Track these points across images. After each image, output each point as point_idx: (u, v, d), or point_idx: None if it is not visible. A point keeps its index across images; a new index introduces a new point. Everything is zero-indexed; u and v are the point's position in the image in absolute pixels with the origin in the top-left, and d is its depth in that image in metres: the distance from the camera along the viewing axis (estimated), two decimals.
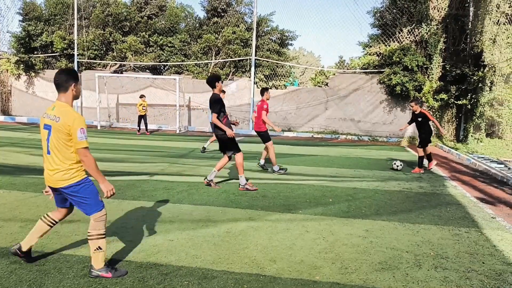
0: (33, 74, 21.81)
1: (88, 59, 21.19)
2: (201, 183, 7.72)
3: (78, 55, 20.96)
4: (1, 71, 21.79)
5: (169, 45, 21.40)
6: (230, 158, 7.44)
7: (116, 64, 21.49)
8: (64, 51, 21.19)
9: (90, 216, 3.64)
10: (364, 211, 6.14)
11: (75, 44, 20.81)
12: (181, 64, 21.32)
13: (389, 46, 18.06)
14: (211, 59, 21.06)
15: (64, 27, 21.79)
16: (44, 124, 3.56)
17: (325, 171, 9.44)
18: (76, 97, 3.65)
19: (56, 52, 21.26)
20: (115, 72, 21.28)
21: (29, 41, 21.22)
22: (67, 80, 3.55)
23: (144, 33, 21.48)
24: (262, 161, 9.63)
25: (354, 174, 9.28)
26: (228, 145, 7.25)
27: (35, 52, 21.73)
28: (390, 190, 7.64)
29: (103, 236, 3.65)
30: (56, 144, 3.48)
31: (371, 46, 18.95)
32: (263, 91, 9.29)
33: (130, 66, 21.43)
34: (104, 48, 21.76)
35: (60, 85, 3.54)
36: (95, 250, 3.63)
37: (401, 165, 9.89)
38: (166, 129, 19.66)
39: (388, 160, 11.58)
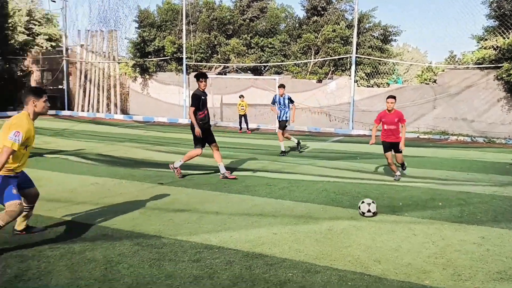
0: (147, 76, 23.84)
1: (195, 61, 22.55)
2: (302, 181, 7.79)
3: (186, 58, 22.42)
4: (121, 74, 24.17)
5: (269, 46, 21.87)
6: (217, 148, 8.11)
7: (220, 66, 22.57)
8: (174, 55, 22.81)
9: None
10: (480, 217, 5.67)
11: (184, 48, 22.28)
12: (281, 64, 21.65)
13: (508, 38, 16.35)
14: (310, 58, 21.05)
15: (174, 32, 23.46)
16: None
17: (433, 173, 8.89)
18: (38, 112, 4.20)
19: (167, 56, 22.98)
20: (219, 73, 22.36)
21: (144, 46, 23.23)
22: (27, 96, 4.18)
23: (246, 35, 22.23)
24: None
25: (467, 177, 8.59)
26: (194, 139, 7.85)
27: (149, 56, 23.72)
28: (510, 196, 6.95)
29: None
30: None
31: (486, 39, 17.34)
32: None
33: (233, 68, 22.35)
34: (210, 51, 22.98)
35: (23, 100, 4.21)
36: None
37: None
38: (265, 128, 20.13)
39: (508, 164, 10.51)
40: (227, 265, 3.91)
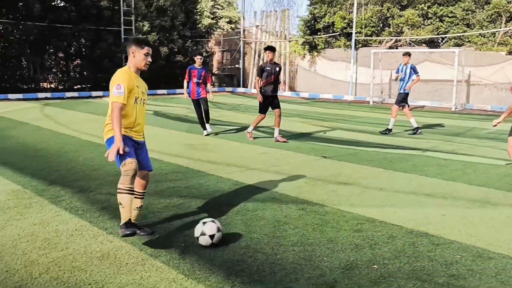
0: (315, 53, 24.23)
1: (364, 36, 21.95)
2: (479, 163, 7.08)
3: (356, 33, 21.97)
4: (290, 52, 25.10)
5: (449, 15, 19.81)
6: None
7: (391, 39, 21.49)
8: (343, 30, 22.57)
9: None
10: None
11: (354, 23, 21.85)
12: (462, 36, 19.45)
13: None
14: (500, 27, 18.34)
15: (344, 7, 23.14)
16: None
17: None
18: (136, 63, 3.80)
19: (336, 32, 22.89)
20: (390, 48, 21.33)
21: (314, 23, 23.56)
22: (128, 47, 3.85)
23: (422, 5, 20.57)
24: None
25: None
26: (258, 104, 9.25)
27: (318, 33, 23.99)
28: None
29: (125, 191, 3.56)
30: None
31: None
32: None
33: (406, 41, 21.02)
34: (381, 24, 22.03)
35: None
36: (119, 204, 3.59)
37: None
38: (439, 106, 18.53)
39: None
40: (389, 239, 3.89)
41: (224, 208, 4.70)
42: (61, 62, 21.01)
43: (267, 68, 8.74)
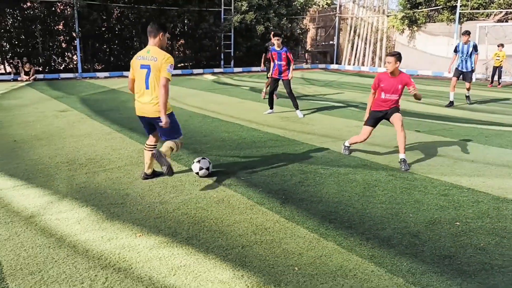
0: (415, 28, 23.23)
1: (470, 9, 20.53)
2: None
3: (460, 6, 20.64)
4: (388, 28, 24.35)
5: None
6: None
7: (501, 12, 19.83)
8: (447, 3, 21.30)
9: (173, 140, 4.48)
10: None
11: None
12: None
13: None
14: None
15: None
16: (141, 64, 4.27)
17: None
18: (162, 45, 4.34)
19: (439, 5, 21.68)
20: (499, 21, 19.72)
21: None
22: (157, 30, 4.31)
23: None
24: None
25: None
26: None
27: (419, 7, 22.91)
28: None
29: (174, 149, 4.46)
30: (155, 81, 4.22)
31: None
32: None
33: None
34: None
35: (151, 33, 4.34)
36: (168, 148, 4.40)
37: None
38: None
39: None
40: (474, 203, 4.15)
41: (318, 171, 5.25)
42: (167, 42, 22.84)
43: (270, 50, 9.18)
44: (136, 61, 4.34)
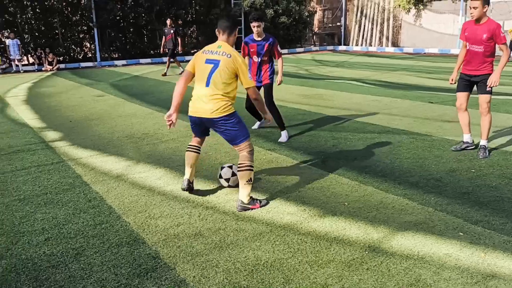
0: (421, 7, 23.67)
1: None
2: None
3: None
4: (395, 7, 24.80)
5: None
6: None
7: None
8: None
9: (240, 145, 3.75)
10: None
11: None
12: None
13: None
14: None
15: None
16: (207, 59, 3.69)
17: None
18: (232, 44, 3.81)
19: None
20: None
21: None
22: (234, 26, 3.81)
23: None
24: None
25: None
26: None
27: None
28: None
29: (252, 168, 3.73)
30: (220, 78, 3.63)
31: None
32: None
33: None
34: None
35: (227, 28, 3.74)
36: (246, 182, 3.68)
37: None
38: None
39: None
40: (488, 160, 4.92)
41: (347, 137, 6.03)
42: (180, 28, 23.46)
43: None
44: (202, 55, 3.77)
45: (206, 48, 3.84)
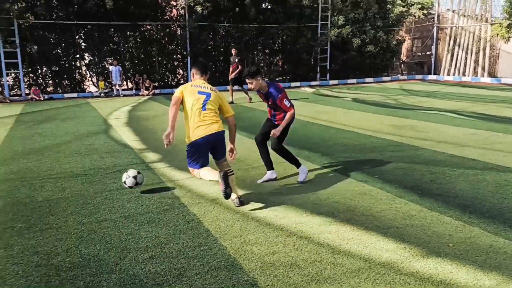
0: None
1: None
2: None
3: None
4: (492, 36, 23.33)
5: None
6: None
7: None
8: None
9: (224, 157, 4.78)
10: None
11: None
12: None
13: None
14: None
15: None
16: (198, 91, 4.55)
17: None
18: None
19: None
20: None
21: None
22: (208, 69, 4.95)
23: None
24: None
25: None
26: None
27: None
28: None
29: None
30: (212, 105, 4.54)
31: None
32: None
33: None
34: None
35: (208, 70, 4.92)
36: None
37: None
38: None
39: None
40: None
41: (446, 172, 5.69)
42: (266, 57, 24.18)
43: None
44: (192, 88, 4.58)
45: (193, 83, 4.69)
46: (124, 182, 5.13)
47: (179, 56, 21.97)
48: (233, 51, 15.18)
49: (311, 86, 22.02)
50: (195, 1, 20.29)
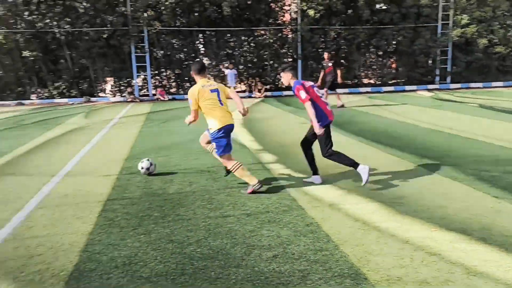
0: None
1: None
2: None
3: None
4: None
5: None
6: None
7: None
8: None
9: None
10: None
11: None
12: None
13: None
14: None
15: None
16: (210, 89, 5.16)
17: None
18: None
19: None
20: None
21: None
22: (205, 67, 5.49)
23: None
24: None
25: None
26: None
27: None
28: None
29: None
30: (223, 99, 5.22)
31: None
32: None
33: None
34: None
35: (205, 68, 5.50)
36: None
37: None
38: None
39: None
40: None
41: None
42: (380, 59, 23.31)
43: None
44: (203, 89, 5.18)
45: (200, 85, 5.20)
46: (142, 167, 6.12)
47: (290, 60, 22.25)
48: (325, 55, 14.49)
49: (429, 90, 20.65)
50: (308, 5, 20.40)
